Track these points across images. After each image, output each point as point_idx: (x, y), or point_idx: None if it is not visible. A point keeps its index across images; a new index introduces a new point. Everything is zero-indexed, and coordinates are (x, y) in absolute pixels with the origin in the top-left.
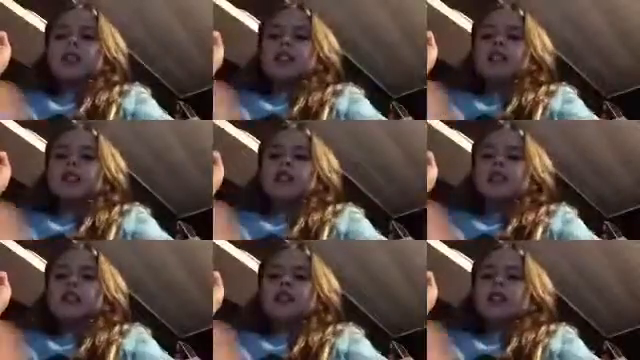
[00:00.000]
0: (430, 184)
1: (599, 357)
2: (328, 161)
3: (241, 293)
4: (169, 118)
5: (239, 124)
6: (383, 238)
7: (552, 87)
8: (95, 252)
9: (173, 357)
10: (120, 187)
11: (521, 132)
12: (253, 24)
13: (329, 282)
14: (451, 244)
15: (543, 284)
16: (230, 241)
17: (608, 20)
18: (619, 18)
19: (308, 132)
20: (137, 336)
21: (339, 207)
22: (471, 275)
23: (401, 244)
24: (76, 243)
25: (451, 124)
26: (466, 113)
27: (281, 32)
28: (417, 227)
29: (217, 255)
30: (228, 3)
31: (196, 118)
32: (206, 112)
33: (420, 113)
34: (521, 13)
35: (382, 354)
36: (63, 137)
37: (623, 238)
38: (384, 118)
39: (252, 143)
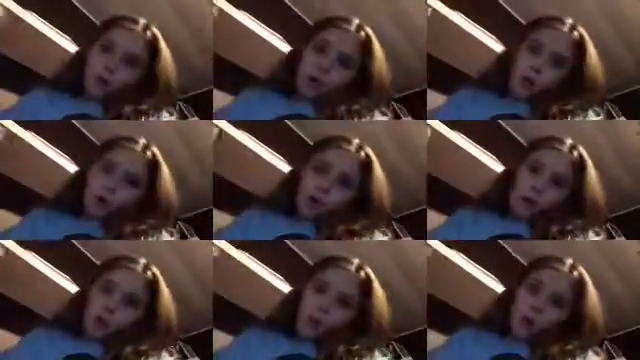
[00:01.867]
0: None
1: (599, 357)
2: (381, 195)
3: (240, 293)
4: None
5: (239, 124)
6: (383, 238)
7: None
8: (151, 275)
9: (173, 357)
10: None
11: (575, 154)
12: (253, 24)
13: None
14: (451, 244)
15: (598, 323)
16: (230, 241)
17: (608, 20)
18: (620, 19)
19: (363, 154)
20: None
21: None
22: (518, 277)
23: (401, 244)
24: (132, 261)
25: (451, 124)
26: (480, 114)
27: (326, 51)
28: (417, 227)
29: (217, 255)
30: (228, 3)
31: (196, 118)
32: (206, 112)
33: (420, 113)
34: (575, 35)
35: (382, 354)
36: (114, 153)
37: (623, 238)
38: (384, 118)
39: (252, 143)
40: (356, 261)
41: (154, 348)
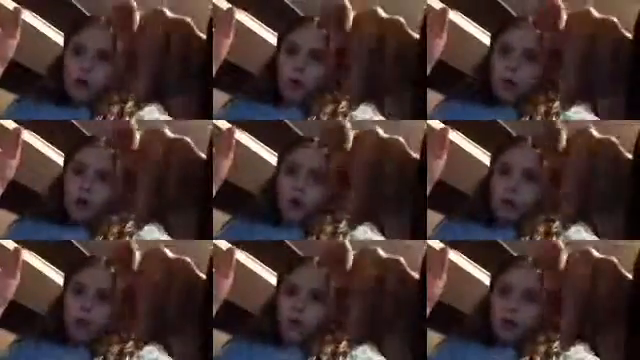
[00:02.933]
0: None
1: (599, 358)
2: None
3: (240, 294)
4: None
5: (239, 124)
6: (383, 238)
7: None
8: (113, 270)
9: (173, 357)
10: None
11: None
12: (253, 24)
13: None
14: (451, 244)
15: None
16: (230, 241)
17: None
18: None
19: (326, 150)
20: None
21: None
22: (489, 284)
23: (401, 244)
24: (96, 259)
25: (451, 124)
26: (469, 115)
27: (298, 51)
28: (417, 227)
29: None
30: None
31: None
32: (206, 112)
33: (420, 113)
34: (538, 32)
35: (382, 354)
36: (82, 153)
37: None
38: (384, 118)
39: (252, 144)
40: (317, 258)
41: (137, 345)
